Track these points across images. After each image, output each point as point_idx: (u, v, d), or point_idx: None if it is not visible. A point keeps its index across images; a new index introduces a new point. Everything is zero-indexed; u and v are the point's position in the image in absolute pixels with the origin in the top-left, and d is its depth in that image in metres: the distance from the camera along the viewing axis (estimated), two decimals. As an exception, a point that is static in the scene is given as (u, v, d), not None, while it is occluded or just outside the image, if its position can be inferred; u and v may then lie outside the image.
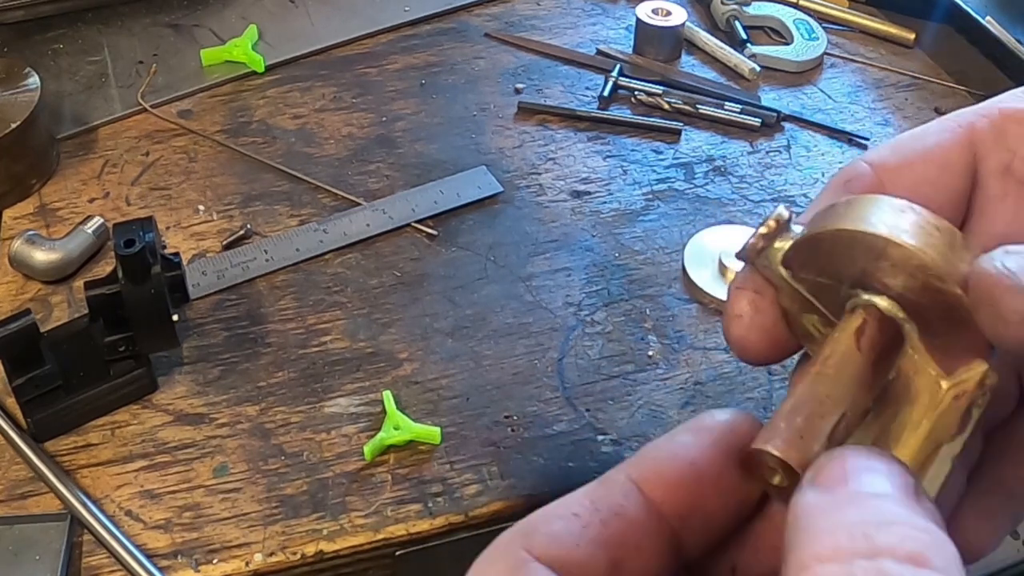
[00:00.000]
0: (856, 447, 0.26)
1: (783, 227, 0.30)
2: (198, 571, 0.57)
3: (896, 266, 0.27)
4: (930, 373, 0.29)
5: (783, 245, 0.30)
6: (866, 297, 0.29)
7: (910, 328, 0.29)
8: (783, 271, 0.30)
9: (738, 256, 0.31)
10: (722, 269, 0.73)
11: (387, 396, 0.64)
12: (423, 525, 0.59)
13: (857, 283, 0.29)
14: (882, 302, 0.28)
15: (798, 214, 0.31)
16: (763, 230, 0.30)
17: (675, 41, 0.94)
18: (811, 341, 0.31)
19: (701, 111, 0.87)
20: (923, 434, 0.28)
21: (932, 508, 0.24)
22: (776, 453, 0.26)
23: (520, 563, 0.25)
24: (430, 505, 0.60)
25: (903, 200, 0.28)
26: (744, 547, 0.29)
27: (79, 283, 0.70)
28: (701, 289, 0.72)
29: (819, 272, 0.29)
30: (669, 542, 0.27)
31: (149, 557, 0.57)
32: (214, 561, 0.57)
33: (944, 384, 0.28)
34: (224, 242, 0.76)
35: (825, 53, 0.95)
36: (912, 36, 0.97)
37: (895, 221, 0.27)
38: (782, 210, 0.31)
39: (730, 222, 0.78)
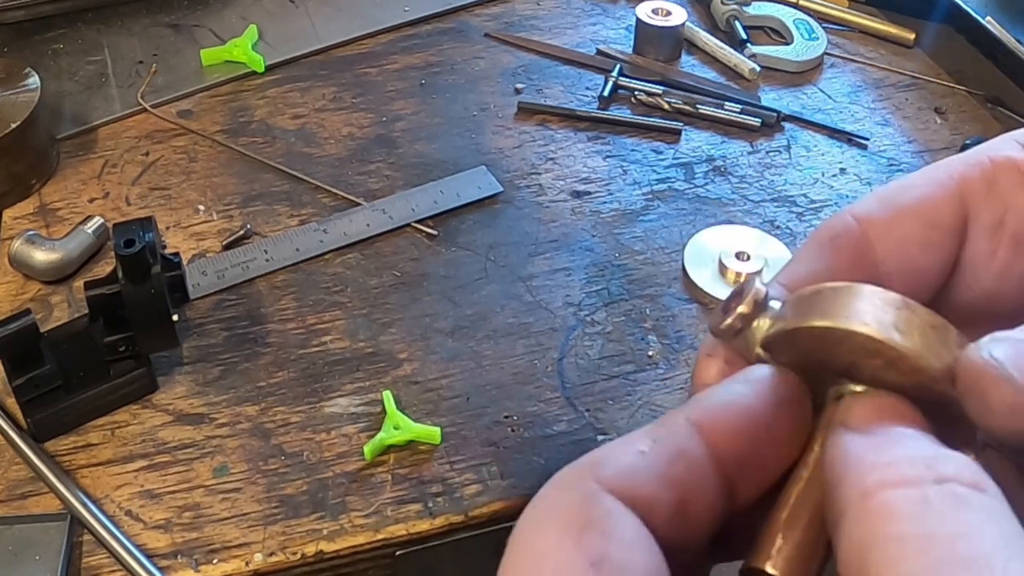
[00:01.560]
0: (876, 392, 0.26)
1: (760, 306, 0.29)
2: (198, 571, 0.57)
3: (888, 365, 0.26)
4: None
5: (761, 324, 0.29)
6: (854, 387, 0.28)
7: None
8: (761, 352, 0.29)
9: (712, 332, 0.30)
10: (722, 269, 0.73)
11: (387, 396, 0.64)
12: (423, 525, 0.59)
13: (844, 373, 0.28)
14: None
15: (771, 279, 0.30)
16: (742, 309, 0.29)
17: (675, 41, 0.94)
18: None
19: (701, 111, 0.87)
20: None
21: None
22: (775, 573, 0.26)
23: (593, 493, 0.25)
24: (430, 505, 0.60)
25: (896, 294, 0.27)
26: (769, 507, 0.29)
27: (79, 283, 0.69)
28: (701, 289, 0.72)
29: (802, 360, 0.28)
30: (726, 488, 0.27)
31: (149, 557, 0.57)
32: (214, 561, 0.57)
33: None
34: (224, 242, 0.76)
35: (825, 53, 0.95)
36: (912, 36, 0.97)
37: (887, 318, 0.26)
38: (759, 286, 0.29)
39: (730, 222, 0.78)
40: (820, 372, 0.28)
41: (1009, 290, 0.32)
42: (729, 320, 0.29)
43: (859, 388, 0.27)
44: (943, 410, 0.26)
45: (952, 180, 0.32)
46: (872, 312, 0.26)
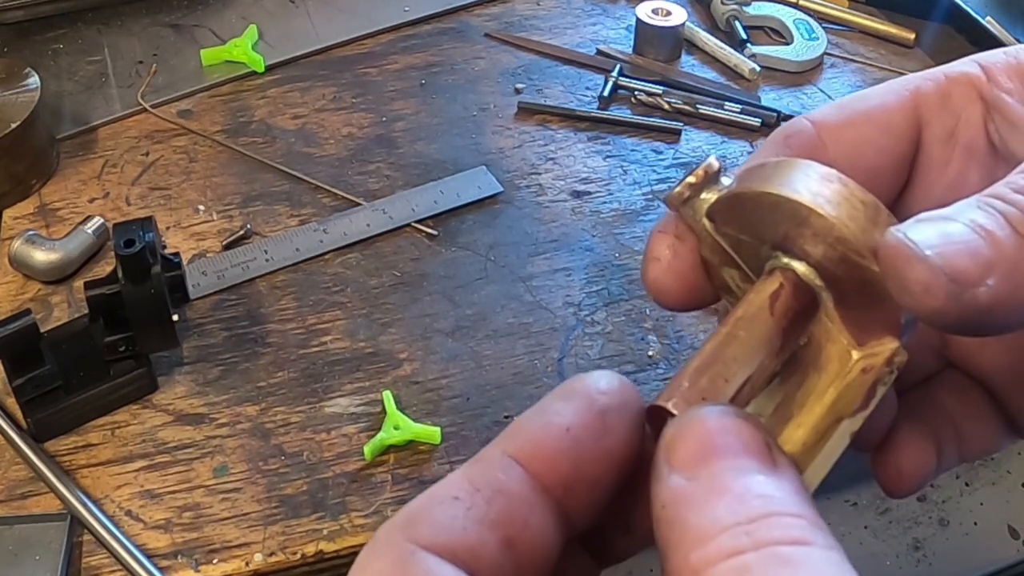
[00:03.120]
0: (707, 407, 0.26)
1: (711, 178, 0.30)
2: (198, 571, 0.57)
3: (817, 235, 0.27)
4: (842, 342, 0.28)
5: (709, 196, 0.30)
6: (785, 260, 0.28)
7: (826, 296, 0.28)
8: (707, 223, 0.30)
9: (664, 201, 0.31)
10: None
11: (387, 396, 0.64)
12: (423, 525, 0.59)
13: (778, 245, 0.28)
14: (800, 267, 0.28)
15: (731, 168, 0.31)
16: (691, 179, 0.30)
17: (675, 41, 0.94)
18: (729, 294, 0.31)
19: (701, 111, 0.87)
20: (827, 403, 0.28)
21: (790, 470, 0.25)
22: (675, 412, 0.26)
23: (406, 554, 0.24)
24: (430, 505, 0.60)
25: (832, 169, 0.27)
26: (634, 506, 0.28)
27: (79, 283, 0.70)
28: None
29: (741, 229, 0.29)
30: (556, 513, 0.26)
31: (149, 557, 0.57)
32: (214, 561, 0.57)
33: (855, 355, 0.28)
34: (224, 242, 0.76)
35: (825, 53, 0.95)
36: (912, 36, 0.97)
37: (820, 189, 0.27)
38: (712, 160, 0.30)
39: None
40: (757, 245, 0.29)
41: (961, 197, 0.31)
42: (678, 188, 0.30)
43: (792, 262, 0.28)
44: (870, 287, 0.27)
45: (907, 91, 0.33)
46: (806, 182, 0.27)
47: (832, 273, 0.28)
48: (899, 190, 0.33)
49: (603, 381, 0.27)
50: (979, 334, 0.26)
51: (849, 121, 0.32)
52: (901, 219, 0.31)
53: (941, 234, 0.25)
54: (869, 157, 0.32)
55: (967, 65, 0.33)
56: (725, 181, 0.30)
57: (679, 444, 0.25)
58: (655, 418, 0.27)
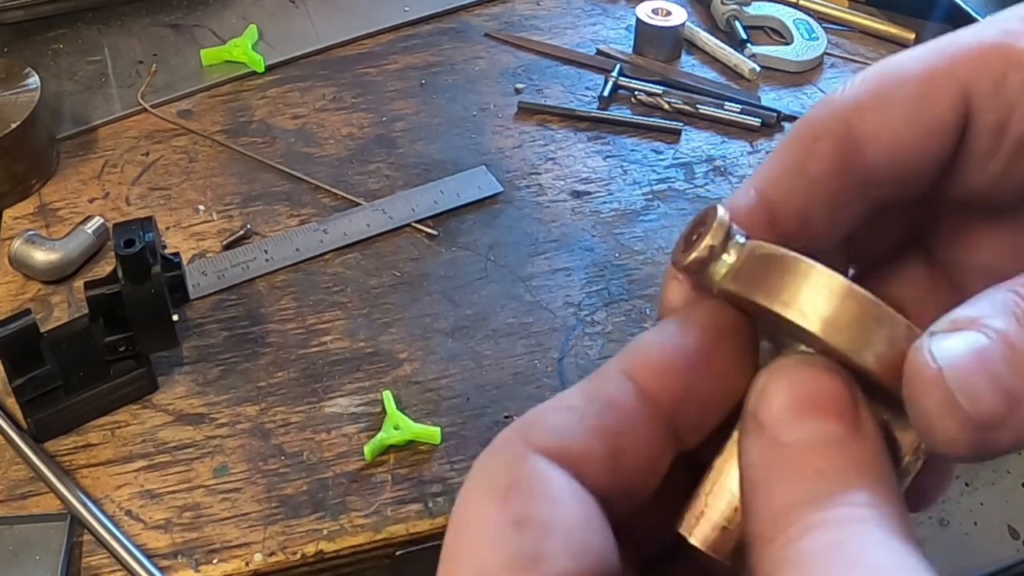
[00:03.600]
0: (797, 357, 0.26)
1: (723, 244, 0.28)
2: (198, 571, 0.57)
3: (826, 352, 0.26)
4: None
5: (725, 259, 0.28)
6: (804, 349, 0.27)
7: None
8: (718, 290, 0.28)
9: (676, 266, 0.29)
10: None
11: (387, 396, 0.64)
12: (423, 525, 0.59)
13: (794, 339, 0.27)
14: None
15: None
16: (709, 241, 0.28)
17: (675, 41, 0.94)
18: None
19: (701, 111, 0.87)
20: None
21: (874, 433, 0.25)
22: (700, 547, 0.26)
23: (521, 455, 0.25)
24: (430, 505, 0.60)
25: (842, 281, 0.25)
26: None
27: (79, 283, 0.69)
28: None
29: (754, 319, 0.28)
30: (666, 429, 0.27)
31: (149, 557, 0.57)
32: (214, 561, 0.57)
33: None
34: (224, 242, 0.76)
35: (825, 53, 0.95)
36: (912, 36, 0.97)
37: (828, 311, 0.25)
38: (723, 216, 0.28)
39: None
40: (774, 327, 0.28)
41: (1003, 191, 0.30)
42: (695, 254, 0.28)
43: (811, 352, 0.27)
44: (886, 391, 0.26)
45: (956, 74, 0.28)
46: (812, 301, 0.25)
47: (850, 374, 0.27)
48: (934, 182, 0.30)
49: (718, 307, 0.28)
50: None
51: (888, 122, 0.28)
52: (936, 205, 0.30)
53: (972, 364, 0.23)
54: (909, 161, 0.29)
55: (1019, 37, 0.28)
56: (739, 239, 0.28)
57: (769, 399, 0.25)
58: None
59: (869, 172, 0.29)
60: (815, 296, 0.25)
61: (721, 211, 0.28)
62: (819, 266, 0.26)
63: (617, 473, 0.26)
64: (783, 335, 0.27)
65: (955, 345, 0.23)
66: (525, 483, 0.24)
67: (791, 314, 0.26)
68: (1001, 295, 0.24)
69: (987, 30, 0.29)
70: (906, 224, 0.33)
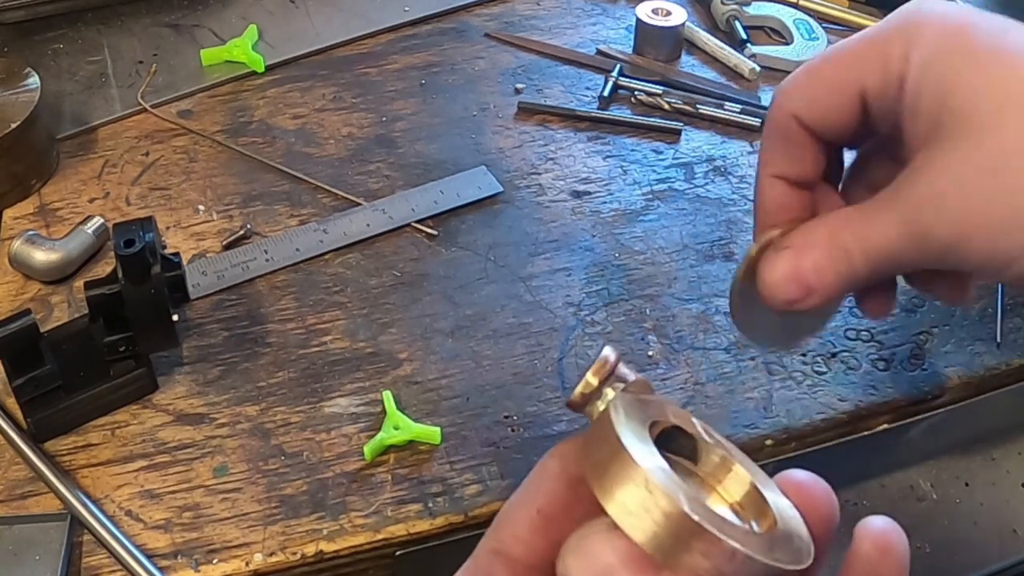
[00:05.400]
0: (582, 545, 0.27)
1: (606, 379, 0.29)
2: (198, 571, 0.57)
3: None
4: None
5: (608, 393, 0.29)
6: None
7: None
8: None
9: (567, 405, 0.31)
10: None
11: (387, 396, 0.64)
12: (423, 525, 0.59)
13: None
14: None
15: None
16: (586, 382, 0.29)
17: (675, 41, 0.94)
18: None
19: (701, 111, 0.87)
20: None
21: None
22: None
23: None
24: (430, 505, 0.60)
25: (648, 472, 0.26)
26: None
27: (79, 283, 0.70)
28: None
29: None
30: None
31: (149, 557, 0.57)
32: (214, 561, 0.57)
33: None
34: (224, 242, 0.76)
35: (825, 53, 0.95)
36: (912, 36, 0.97)
37: (626, 498, 0.26)
38: (607, 354, 0.30)
39: (730, 222, 0.78)
40: None
41: (914, 121, 0.39)
42: (575, 393, 0.30)
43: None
44: None
45: (855, 67, 0.40)
46: (628, 506, 0.26)
47: None
48: (869, 127, 0.42)
49: (563, 451, 0.29)
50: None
51: (812, 98, 0.42)
52: (896, 141, 0.40)
53: (780, 269, 0.41)
54: (837, 120, 0.41)
55: (913, 15, 0.39)
56: (627, 374, 0.30)
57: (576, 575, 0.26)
58: None
59: (817, 132, 0.42)
60: (627, 496, 0.26)
61: (608, 350, 0.30)
62: (641, 464, 0.26)
63: None
64: None
65: (779, 263, 0.41)
66: None
67: (599, 491, 0.26)
68: (815, 226, 0.42)
69: (898, 13, 0.40)
70: (884, 157, 0.44)
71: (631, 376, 0.30)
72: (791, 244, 0.40)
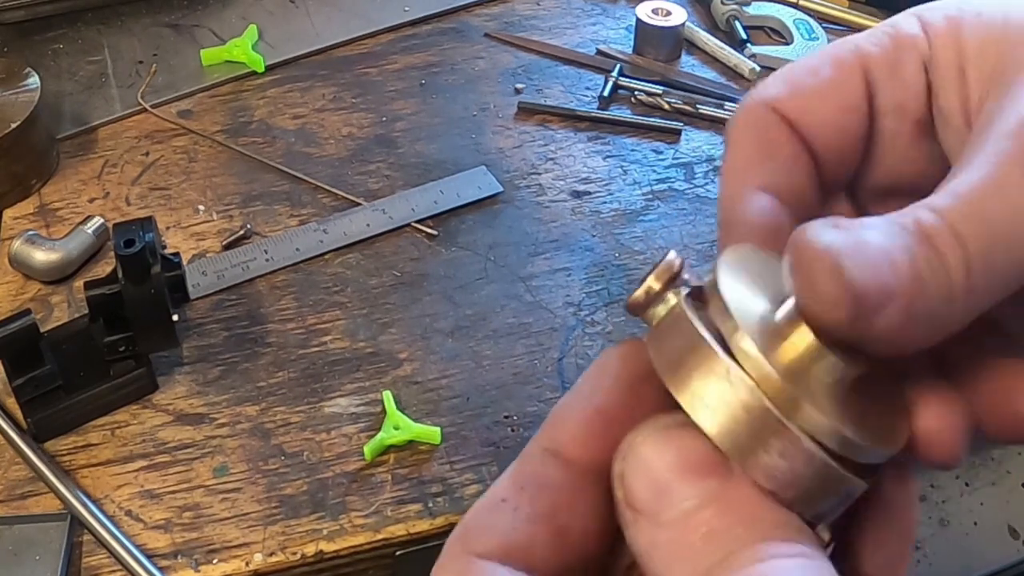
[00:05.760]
0: (643, 432, 0.25)
1: (671, 281, 0.27)
2: (198, 571, 0.57)
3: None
4: None
5: (670, 299, 0.27)
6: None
7: None
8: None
9: (626, 308, 0.29)
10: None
11: (387, 396, 0.64)
12: (423, 525, 0.59)
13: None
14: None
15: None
16: (652, 283, 0.27)
17: (675, 41, 0.94)
18: None
19: (701, 111, 0.87)
20: None
21: (741, 477, 0.24)
22: None
23: (466, 568, 0.25)
24: (430, 505, 0.60)
25: (730, 363, 0.24)
26: None
27: (79, 283, 0.69)
28: None
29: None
30: (604, 494, 0.26)
31: (149, 557, 0.57)
32: (214, 561, 0.57)
33: None
34: (224, 242, 0.76)
35: (825, 53, 0.95)
36: (912, 36, 0.97)
37: (704, 390, 0.24)
38: (672, 258, 0.28)
39: (730, 222, 0.78)
40: None
41: (914, 172, 0.31)
42: (637, 292, 0.28)
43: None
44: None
45: (858, 59, 0.31)
46: (705, 399, 0.24)
47: None
48: (857, 163, 0.32)
49: (624, 351, 0.27)
50: (871, 352, 0.26)
51: (806, 107, 0.30)
52: (861, 194, 0.31)
53: (857, 248, 0.24)
54: (830, 138, 0.30)
55: (911, 24, 0.31)
56: (689, 279, 0.28)
57: (632, 485, 0.25)
58: None
59: (813, 149, 0.30)
60: (710, 392, 0.25)
61: (672, 254, 0.28)
62: (722, 355, 0.25)
63: (565, 550, 0.26)
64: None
65: (841, 234, 0.24)
66: None
67: (680, 399, 0.25)
68: (897, 216, 0.25)
69: (888, 21, 0.31)
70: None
71: (694, 281, 0.28)
72: (839, 224, 0.26)
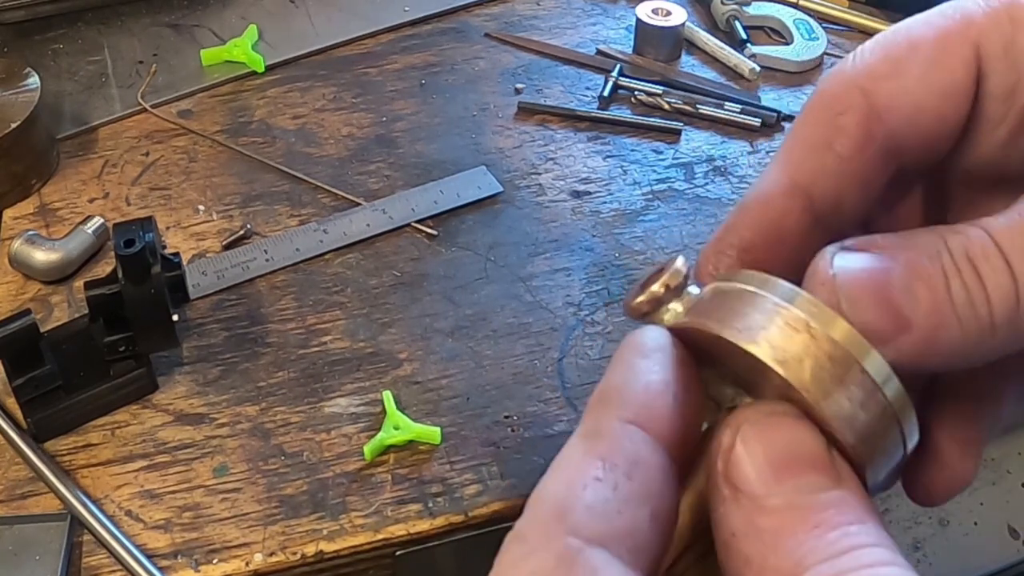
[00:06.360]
0: (762, 406, 0.25)
1: (676, 290, 0.27)
2: (198, 571, 0.57)
3: (776, 390, 0.24)
4: None
5: (674, 307, 0.27)
6: (741, 396, 0.26)
7: None
8: (668, 327, 0.27)
9: (624, 309, 0.28)
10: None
11: (387, 396, 0.64)
12: (423, 525, 0.59)
13: (738, 382, 0.26)
14: None
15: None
16: (656, 289, 0.27)
17: (675, 41, 0.94)
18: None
19: (701, 111, 0.87)
20: None
21: (852, 478, 0.24)
22: None
23: (572, 552, 0.22)
24: (430, 505, 0.60)
25: (803, 313, 0.24)
26: None
27: (79, 283, 0.69)
28: None
29: (700, 361, 0.27)
30: (677, 476, 0.25)
31: (149, 557, 0.57)
32: (214, 561, 0.57)
33: None
34: (224, 242, 0.76)
35: (825, 53, 0.95)
36: (912, 36, 0.97)
37: (782, 342, 0.24)
38: (680, 266, 0.27)
39: (730, 222, 0.78)
40: (719, 375, 0.26)
41: (1011, 160, 0.29)
42: (640, 298, 0.27)
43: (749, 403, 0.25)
44: (832, 438, 0.24)
45: (967, 35, 0.28)
46: (767, 330, 0.24)
47: None
48: (950, 149, 0.30)
49: (660, 335, 0.26)
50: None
51: (904, 88, 0.28)
52: (947, 179, 0.28)
53: (863, 280, 0.24)
54: (925, 126, 0.28)
55: None
56: (693, 291, 0.27)
57: (742, 462, 0.24)
58: None
59: (891, 141, 0.28)
60: (768, 323, 0.24)
61: (680, 261, 0.28)
62: (777, 293, 0.25)
63: (661, 539, 0.24)
64: (727, 377, 0.26)
65: (855, 260, 0.24)
66: None
67: (739, 340, 0.24)
68: (929, 235, 0.24)
69: None
70: (920, 204, 0.33)
71: (695, 292, 0.27)
72: (873, 245, 0.25)
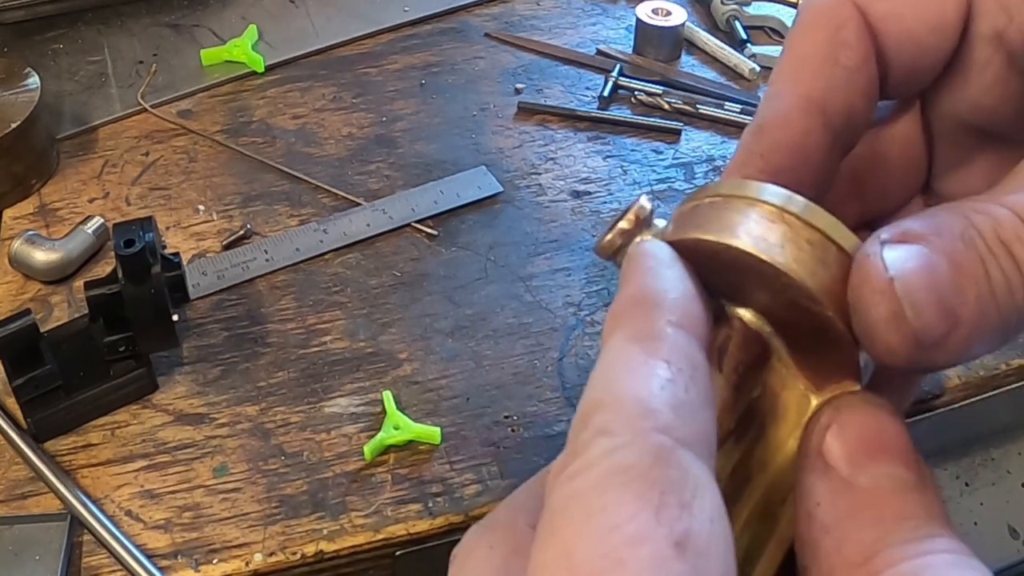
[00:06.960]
0: (862, 395, 0.25)
1: (644, 222, 0.28)
2: (198, 571, 0.57)
3: (761, 282, 0.25)
4: (799, 388, 0.27)
5: (645, 238, 0.28)
6: (730, 309, 0.27)
7: (778, 343, 0.27)
8: None
9: (595, 250, 0.29)
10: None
11: (387, 396, 0.64)
12: (423, 525, 0.59)
13: (720, 294, 0.27)
14: (747, 315, 0.27)
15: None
16: (623, 224, 0.28)
17: (675, 41, 0.94)
18: None
19: (701, 111, 0.87)
20: (788, 455, 0.26)
21: (931, 477, 0.25)
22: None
23: (666, 451, 0.22)
24: (430, 505, 0.60)
25: (776, 205, 0.25)
26: None
27: (79, 283, 0.69)
28: None
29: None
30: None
31: (149, 557, 0.57)
32: (214, 561, 0.57)
33: (813, 400, 0.27)
34: (224, 242, 0.76)
35: (825, 53, 0.95)
36: (912, 36, 0.97)
37: (761, 232, 0.25)
38: (643, 201, 0.28)
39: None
40: (705, 285, 0.27)
41: (995, 106, 0.29)
42: (609, 236, 0.28)
43: (738, 310, 0.27)
44: (823, 331, 0.25)
45: None
46: (745, 225, 0.25)
47: (782, 318, 0.26)
48: (930, 84, 0.30)
49: (667, 248, 0.27)
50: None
51: (894, 11, 0.28)
52: (936, 119, 0.28)
53: (920, 276, 0.23)
54: (910, 53, 0.28)
55: None
56: (659, 223, 0.28)
57: (836, 439, 0.24)
58: None
59: (881, 61, 0.29)
60: (744, 219, 0.25)
61: (644, 198, 0.29)
62: (748, 195, 0.25)
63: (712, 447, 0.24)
64: (713, 294, 0.27)
65: (906, 256, 0.23)
66: (679, 490, 0.21)
67: (721, 236, 0.25)
68: (953, 216, 0.24)
69: None
70: (911, 172, 0.33)
71: (661, 224, 0.28)
72: (910, 235, 0.24)
